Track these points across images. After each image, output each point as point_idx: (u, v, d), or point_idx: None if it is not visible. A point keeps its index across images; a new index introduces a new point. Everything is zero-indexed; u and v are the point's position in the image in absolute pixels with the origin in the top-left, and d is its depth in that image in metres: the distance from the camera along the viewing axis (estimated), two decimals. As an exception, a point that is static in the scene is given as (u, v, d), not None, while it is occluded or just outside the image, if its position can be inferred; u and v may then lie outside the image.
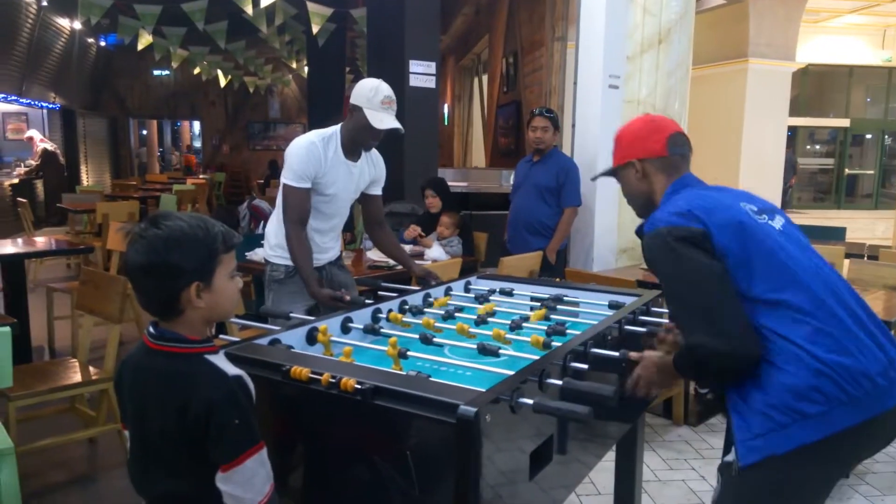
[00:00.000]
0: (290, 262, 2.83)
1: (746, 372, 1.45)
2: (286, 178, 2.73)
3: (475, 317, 2.14)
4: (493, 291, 2.56)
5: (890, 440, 1.52)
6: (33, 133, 11.96)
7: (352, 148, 2.81)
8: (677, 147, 1.73)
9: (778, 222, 1.59)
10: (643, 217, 1.79)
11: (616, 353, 1.78)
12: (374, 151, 2.98)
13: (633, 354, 1.76)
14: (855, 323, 1.46)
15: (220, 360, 1.35)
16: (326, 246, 2.95)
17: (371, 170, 2.97)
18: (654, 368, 1.68)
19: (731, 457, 1.53)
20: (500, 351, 1.77)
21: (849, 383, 1.39)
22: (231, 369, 1.33)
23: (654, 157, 1.73)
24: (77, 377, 3.01)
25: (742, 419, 1.48)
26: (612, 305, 2.32)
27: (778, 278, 1.47)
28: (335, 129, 2.80)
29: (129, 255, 1.30)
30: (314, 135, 2.76)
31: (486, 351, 1.76)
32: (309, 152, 2.69)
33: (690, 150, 1.77)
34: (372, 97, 2.68)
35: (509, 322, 2.07)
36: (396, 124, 2.72)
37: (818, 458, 1.41)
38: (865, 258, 5.21)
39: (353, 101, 2.73)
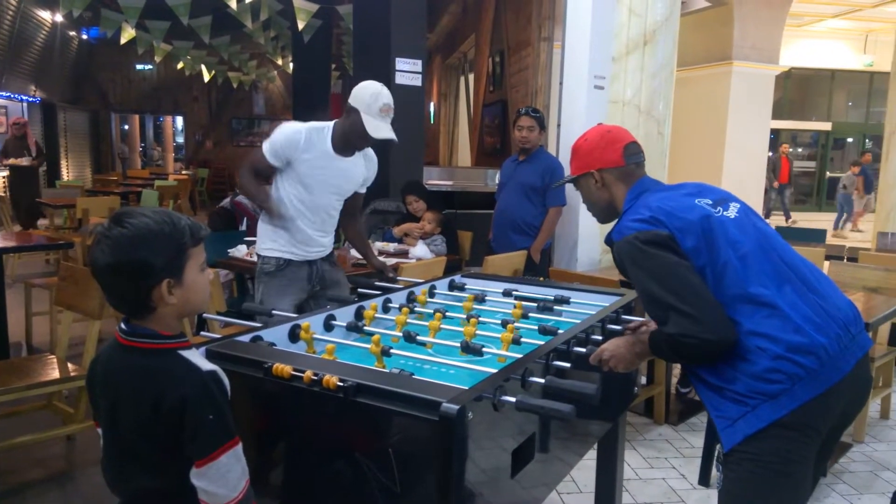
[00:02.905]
0: (281, 256, 2.85)
1: (722, 355, 1.55)
2: (264, 146, 2.79)
3: (462, 315, 2.14)
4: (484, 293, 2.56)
5: (852, 400, 1.64)
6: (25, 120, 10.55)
7: (343, 146, 2.84)
8: (633, 156, 1.83)
9: (732, 211, 1.67)
10: (604, 222, 1.94)
11: (584, 350, 1.80)
12: (371, 152, 3.01)
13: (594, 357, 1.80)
14: (806, 296, 1.58)
15: (193, 356, 1.34)
16: (318, 241, 2.96)
17: (364, 171, 3.00)
18: (623, 343, 1.75)
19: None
20: (484, 349, 1.77)
21: (805, 359, 1.51)
22: (205, 364, 1.32)
23: (612, 167, 1.82)
24: (55, 374, 2.97)
25: (718, 411, 1.60)
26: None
27: (736, 274, 1.57)
28: (331, 124, 2.84)
29: (95, 255, 1.27)
30: (306, 125, 2.81)
31: (469, 350, 1.76)
32: (290, 137, 2.75)
33: (644, 157, 1.87)
34: (371, 103, 2.70)
35: (500, 321, 2.07)
36: (391, 135, 2.74)
37: (790, 429, 1.53)
38: (845, 260, 5.27)
39: (352, 102, 2.75)
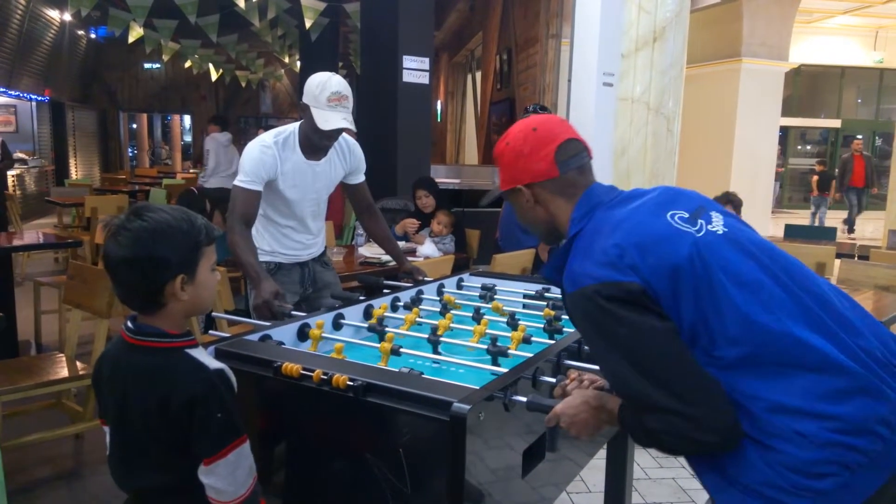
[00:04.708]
0: (270, 259, 2.72)
1: (723, 451, 1.14)
2: (238, 178, 2.55)
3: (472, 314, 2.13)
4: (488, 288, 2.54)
5: None
6: None
7: (311, 148, 2.62)
8: (570, 160, 1.37)
9: (717, 223, 1.24)
10: (551, 244, 1.51)
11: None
12: (349, 140, 2.80)
13: (558, 390, 1.45)
14: (843, 341, 1.14)
15: (200, 354, 1.34)
16: (308, 242, 2.83)
17: (343, 163, 2.79)
18: (583, 406, 1.33)
19: None
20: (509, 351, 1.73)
21: (862, 440, 1.09)
22: (212, 363, 1.33)
23: (544, 181, 1.37)
24: (64, 372, 2.97)
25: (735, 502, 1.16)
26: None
27: (741, 323, 1.14)
28: (293, 129, 2.62)
29: (110, 247, 1.27)
30: (270, 136, 2.58)
31: (496, 353, 1.70)
32: (262, 154, 2.52)
33: (589, 156, 1.42)
34: (318, 94, 2.46)
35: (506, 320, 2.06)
36: (344, 124, 2.47)
37: None
38: (856, 258, 5.23)
39: (303, 98, 2.53)
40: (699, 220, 1.23)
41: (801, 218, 13.18)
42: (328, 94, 2.45)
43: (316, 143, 2.59)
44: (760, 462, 1.12)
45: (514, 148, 1.41)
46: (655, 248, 1.18)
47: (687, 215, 1.24)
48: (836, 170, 12.88)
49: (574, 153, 1.38)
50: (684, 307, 1.16)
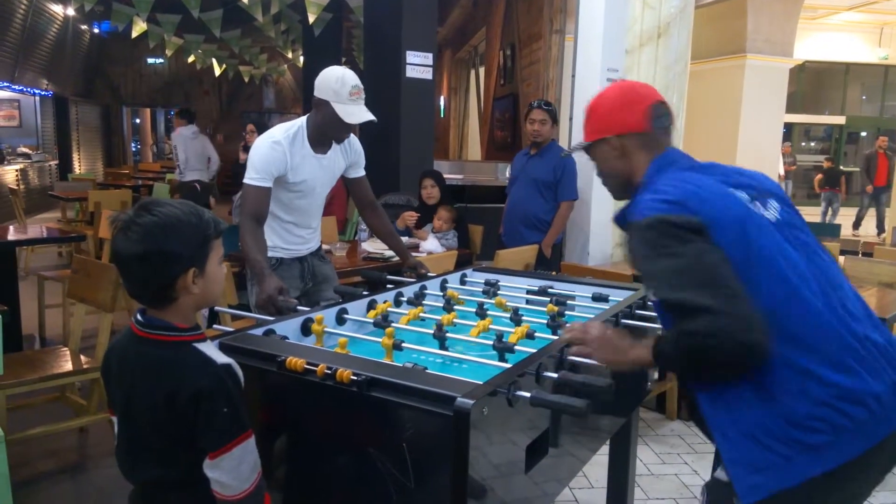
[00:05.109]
0: (272, 255, 2.73)
1: (751, 367, 1.26)
2: (247, 176, 2.58)
3: (475, 309, 2.13)
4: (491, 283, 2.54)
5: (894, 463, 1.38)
6: None
7: (321, 141, 2.69)
8: (659, 120, 1.54)
9: (772, 211, 1.40)
10: (620, 198, 1.65)
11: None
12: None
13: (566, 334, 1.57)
14: (855, 330, 1.32)
15: (208, 349, 1.34)
16: (307, 237, 2.86)
17: (345, 156, 2.83)
18: (606, 336, 1.48)
19: (721, 475, 1.43)
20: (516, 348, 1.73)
21: (854, 408, 1.26)
22: (220, 357, 1.33)
23: (634, 133, 1.53)
24: (68, 366, 2.98)
25: (735, 449, 1.32)
26: (595, 297, 2.32)
27: (778, 291, 1.30)
28: (300, 123, 2.67)
29: (120, 243, 1.28)
30: (278, 132, 2.63)
31: (502, 349, 1.70)
32: (272, 151, 2.57)
33: (672, 121, 1.59)
34: (339, 90, 2.52)
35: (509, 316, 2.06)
36: (369, 116, 2.57)
37: (823, 490, 1.28)
38: (860, 255, 5.22)
39: (318, 94, 2.57)
40: (757, 203, 1.39)
41: (807, 214, 13.08)
42: (349, 89, 2.54)
43: (333, 138, 2.67)
44: (761, 409, 1.28)
45: (609, 100, 1.58)
46: (714, 202, 1.35)
47: (748, 197, 1.39)
48: (861, 167, 12.49)
49: (661, 114, 1.55)
50: (732, 254, 1.30)
